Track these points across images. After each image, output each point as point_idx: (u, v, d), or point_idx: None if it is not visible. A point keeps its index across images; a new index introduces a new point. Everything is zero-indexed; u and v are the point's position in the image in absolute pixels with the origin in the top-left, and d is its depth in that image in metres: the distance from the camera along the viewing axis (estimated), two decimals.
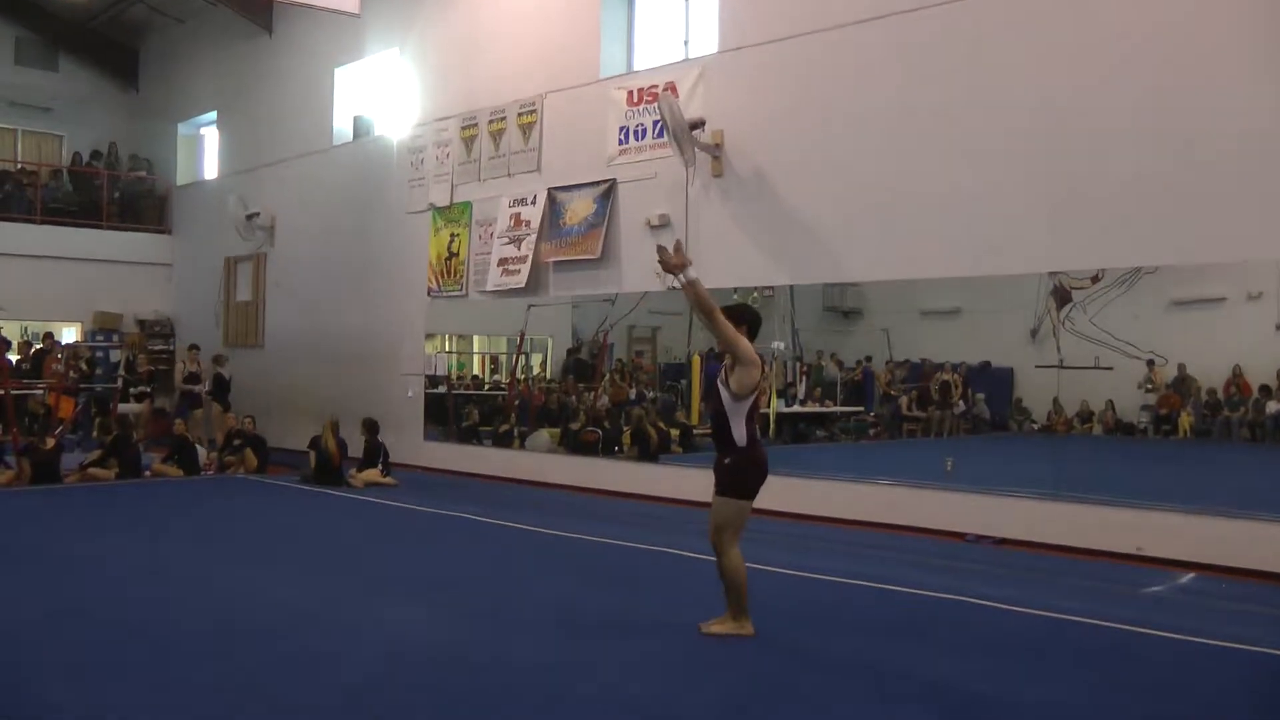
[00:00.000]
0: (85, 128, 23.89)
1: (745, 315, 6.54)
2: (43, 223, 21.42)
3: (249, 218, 19.55)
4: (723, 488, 6.38)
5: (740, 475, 6.33)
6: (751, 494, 6.39)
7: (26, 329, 21.31)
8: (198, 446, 15.96)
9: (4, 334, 19.06)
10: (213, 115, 22.26)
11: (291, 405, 18.08)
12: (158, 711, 5.25)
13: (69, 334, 22.01)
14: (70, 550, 9.69)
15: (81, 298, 21.46)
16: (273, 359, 19.41)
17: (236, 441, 16.01)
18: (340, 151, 18.54)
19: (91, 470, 14.72)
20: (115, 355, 20.71)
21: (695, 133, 12.62)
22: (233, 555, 9.66)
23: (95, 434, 16.42)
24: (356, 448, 14.90)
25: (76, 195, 22.63)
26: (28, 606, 7.43)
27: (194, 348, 19.00)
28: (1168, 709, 5.52)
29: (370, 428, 14.76)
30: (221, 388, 18.16)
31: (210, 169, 22.72)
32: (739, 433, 6.28)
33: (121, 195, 23.00)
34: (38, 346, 19.95)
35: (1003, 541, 10.09)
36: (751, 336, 6.41)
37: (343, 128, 18.73)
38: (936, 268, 10.88)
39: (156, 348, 21.64)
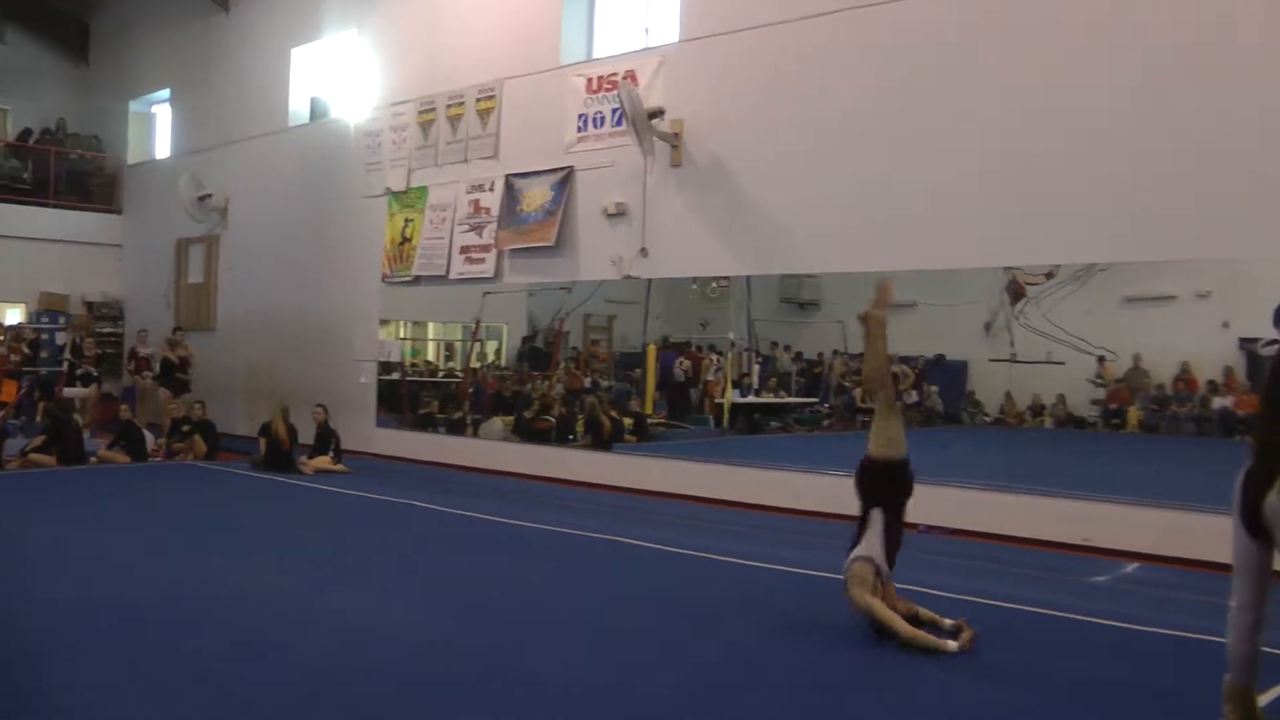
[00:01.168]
0: (33, 102, 23.37)
1: None
2: None
3: (202, 199, 19.28)
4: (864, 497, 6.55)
5: (897, 487, 6.51)
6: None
7: None
8: (145, 432, 15.71)
9: None
10: (166, 93, 21.89)
11: (244, 390, 17.90)
12: (106, 694, 5.20)
13: (13, 315, 21.58)
14: (9, 537, 9.53)
15: (27, 278, 21.05)
16: (225, 343, 19.18)
17: (185, 428, 15.81)
18: (296, 133, 18.32)
19: (33, 456, 14.42)
20: (61, 338, 20.36)
21: (654, 121, 12.59)
22: (178, 543, 9.51)
23: (39, 419, 16.15)
24: (309, 433, 14.78)
25: (23, 172, 22.18)
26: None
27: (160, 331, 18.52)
28: (1109, 694, 5.58)
29: (323, 413, 14.69)
30: (169, 372, 17.90)
31: (163, 148, 22.35)
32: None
33: (70, 173, 22.56)
34: None
35: (955, 532, 10.18)
36: None
37: (299, 109, 18.52)
38: (893, 260, 10.89)
39: (105, 330, 21.29)
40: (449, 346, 17.50)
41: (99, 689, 5.33)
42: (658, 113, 12.64)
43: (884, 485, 6.43)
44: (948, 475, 10.38)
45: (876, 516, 6.39)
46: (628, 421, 14.29)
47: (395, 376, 16.79)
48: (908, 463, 6.44)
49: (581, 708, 5.21)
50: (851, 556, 6.39)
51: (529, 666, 5.82)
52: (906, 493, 6.45)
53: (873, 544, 6.35)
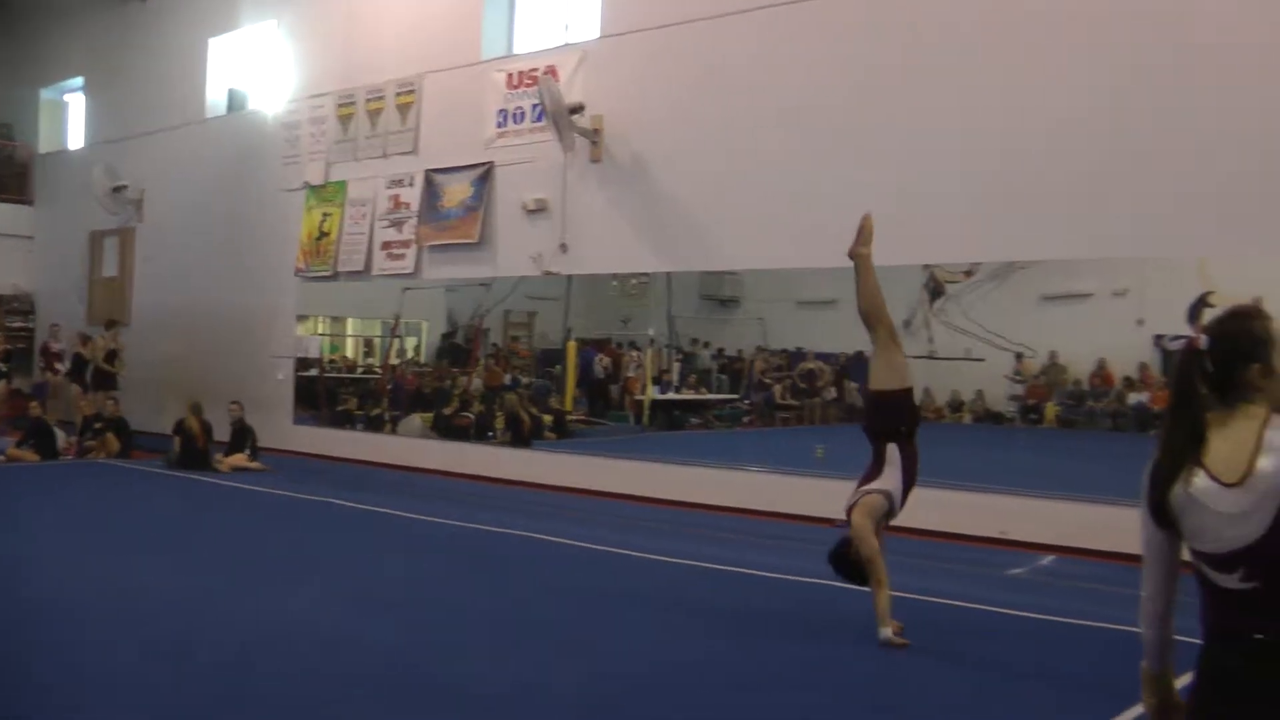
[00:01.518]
0: None
1: None
2: None
3: (116, 190, 18.84)
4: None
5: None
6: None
7: None
8: (55, 430, 15.33)
9: None
10: (79, 81, 21.36)
11: (160, 386, 17.49)
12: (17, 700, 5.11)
13: None
14: None
15: None
16: (141, 337, 18.71)
17: (97, 425, 15.47)
18: (213, 125, 18.00)
19: None
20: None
21: (574, 117, 12.52)
22: (91, 543, 9.36)
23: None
24: (225, 430, 14.54)
25: None
26: None
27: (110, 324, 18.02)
28: (1024, 683, 5.71)
29: (238, 409, 14.46)
30: (80, 368, 17.47)
31: (76, 138, 21.83)
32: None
33: None
34: None
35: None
36: None
37: (217, 100, 18.21)
38: (811, 258, 10.91)
39: (15, 325, 20.77)
40: (368, 343, 17.30)
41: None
42: (578, 108, 12.57)
43: (894, 416, 6.54)
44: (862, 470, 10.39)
45: (894, 452, 6.45)
46: (547, 419, 14.23)
47: (313, 373, 16.56)
48: (911, 390, 6.62)
49: (488, 706, 5.17)
50: (868, 488, 6.43)
51: (437, 664, 5.82)
52: (915, 421, 6.56)
53: (893, 479, 6.44)
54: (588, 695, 5.39)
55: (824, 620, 6.94)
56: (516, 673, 5.68)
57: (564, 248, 12.88)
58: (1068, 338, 12.10)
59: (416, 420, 15.02)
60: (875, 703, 5.45)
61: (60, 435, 15.36)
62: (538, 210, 13.13)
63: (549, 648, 6.18)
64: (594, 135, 12.61)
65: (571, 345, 14.60)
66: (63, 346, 18.30)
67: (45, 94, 22.37)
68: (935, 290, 11.62)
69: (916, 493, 9.83)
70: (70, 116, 22.40)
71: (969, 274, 11.17)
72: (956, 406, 13.27)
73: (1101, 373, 12.25)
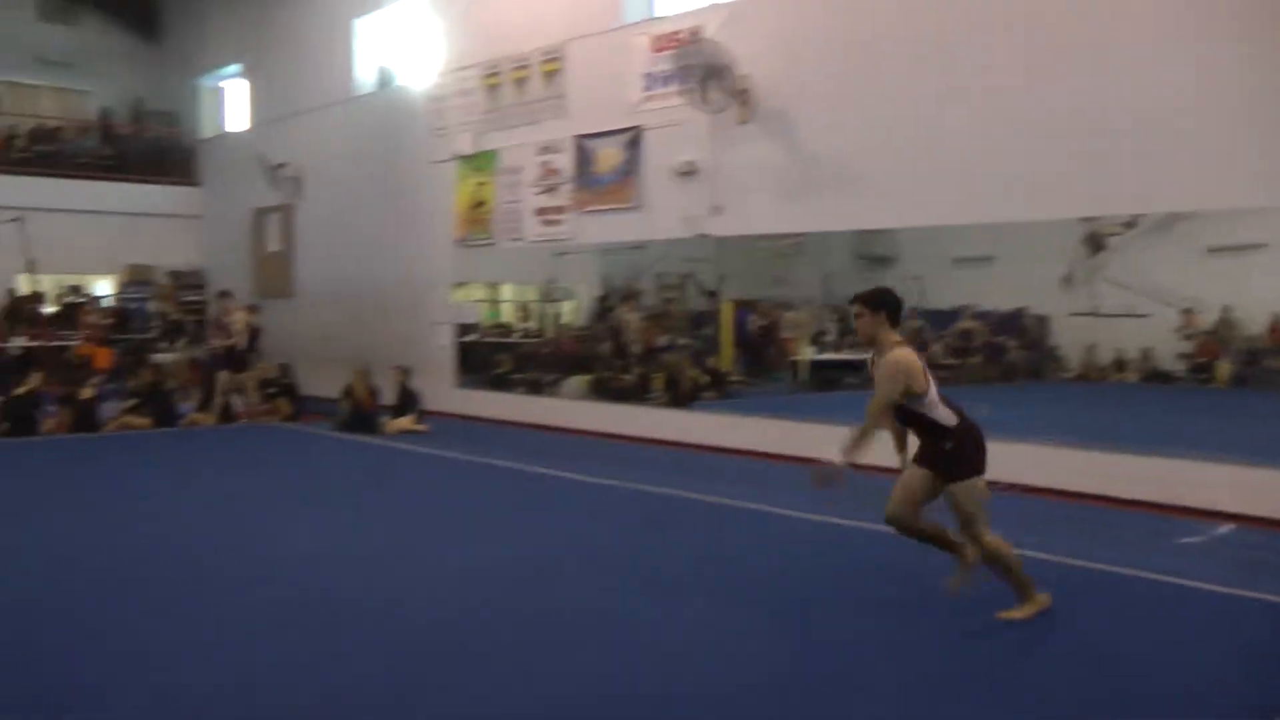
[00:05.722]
0: (109, 82, 23.81)
1: (884, 302, 6.00)
2: (74, 178, 21.42)
3: (276, 169, 19.57)
4: (951, 473, 5.86)
5: (963, 453, 5.87)
6: (980, 468, 5.90)
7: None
8: (232, 395, 16.08)
9: (40, 289, 19.29)
10: (234, 67, 22.25)
11: (324, 354, 18.13)
12: (200, 647, 5.50)
13: (103, 287, 22.13)
14: (106, 494, 10.03)
15: (114, 251, 21.48)
16: (304, 308, 19.49)
17: (270, 390, 16.16)
18: (364, 102, 18.52)
19: (127, 419, 14.98)
20: (149, 306, 20.84)
21: (721, 78, 12.49)
22: (266, 500, 9.87)
23: (130, 383, 16.55)
24: (391, 395, 15.05)
25: (105, 150, 22.64)
26: (64, 545, 7.85)
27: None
28: (1199, 660, 5.52)
29: (403, 375, 14.90)
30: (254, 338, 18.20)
31: (234, 121, 22.73)
32: (942, 415, 5.88)
33: (148, 149, 22.98)
34: (69, 299, 20.16)
35: (1034, 490, 9.80)
36: (895, 321, 5.97)
37: (366, 78, 18.72)
38: (968, 213, 10.75)
39: (189, 299, 21.71)
40: (524, 307, 17.58)
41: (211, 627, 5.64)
42: (724, 68, 12.53)
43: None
44: (1027, 433, 10.19)
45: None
46: (705, 379, 14.30)
47: (473, 338, 16.96)
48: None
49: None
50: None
51: (609, 618, 5.99)
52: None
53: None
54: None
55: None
56: (683, 628, 5.80)
57: (717, 209, 12.91)
58: (1239, 291, 11.67)
59: (575, 382, 15.27)
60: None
61: (237, 400, 16.11)
62: (688, 172, 13.15)
63: (764, 615, 6.21)
64: (741, 95, 12.56)
65: (727, 305, 14.66)
66: (232, 319, 19.03)
67: (204, 82, 23.35)
68: (1095, 244, 11.34)
69: (1081, 455, 9.48)
70: (226, 102, 23.32)
71: (1130, 226, 10.87)
72: (1121, 365, 12.98)
73: (1278, 328, 11.81)
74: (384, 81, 18.44)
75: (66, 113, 23.45)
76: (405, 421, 14.55)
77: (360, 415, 14.57)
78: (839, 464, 5.69)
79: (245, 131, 21.67)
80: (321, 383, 16.79)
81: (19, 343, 18.28)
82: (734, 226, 12.96)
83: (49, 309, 19.99)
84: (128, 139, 22.97)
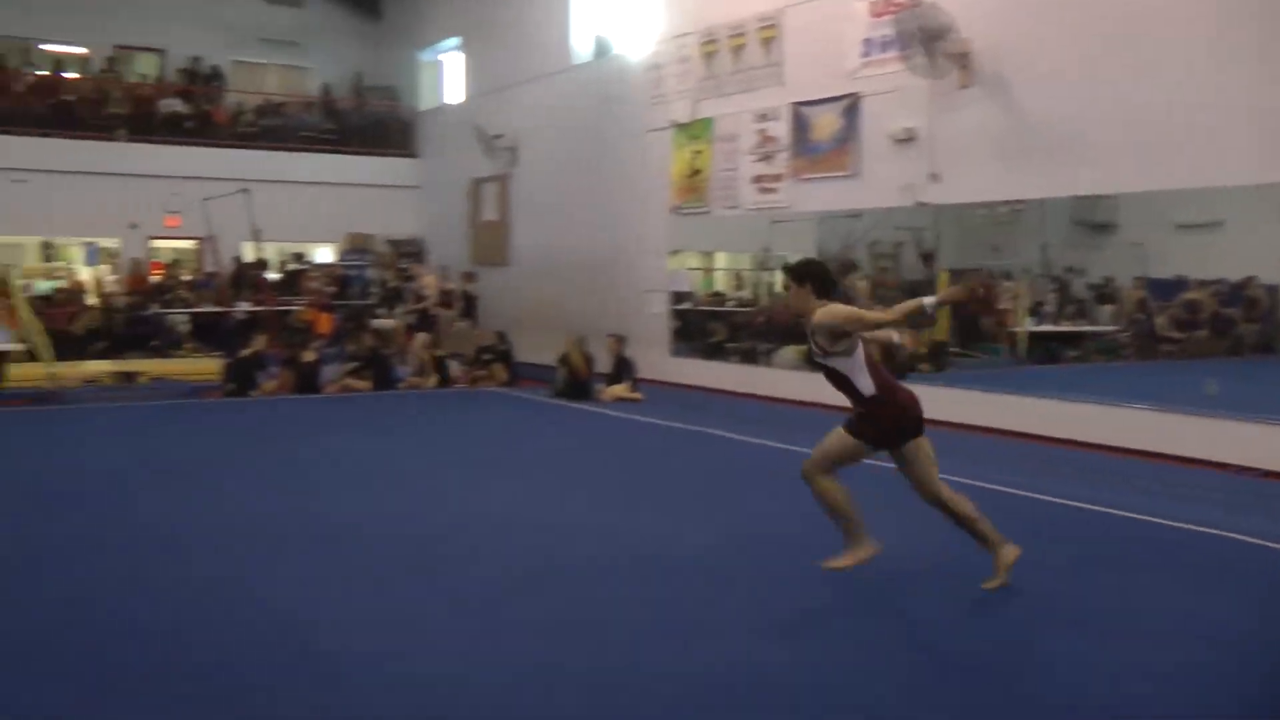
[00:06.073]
0: (332, 59, 24.94)
1: (809, 274, 5.98)
2: (297, 151, 22.48)
3: (493, 140, 20.05)
4: (859, 435, 5.98)
5: (871, 421, 5.97)
6: (880, 440, 5.99)
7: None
8: (450, 361, 16.60)
9: (265, 256, 20.26)
10: (452, 41, 22.92)
11: (539, 321, 18.56)
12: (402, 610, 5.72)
13: (324, 254, 23.12)
14: (321, 451, 10.65)
15: (336, 220, 22.48)
16: (520, 277, 19.98)
17: (486, 356, 16.63)
18: (580, 71, 18.78)
19: (348, 381, 15.63)
20: (368, 274, 21.68)
21: (942, 42, 12.20)
22: (479, 463, 10.20)
23: (350, 347, 17.27)
24: (606, 363, 15.28)
25: (328, 123, 23.62)
26: (272, 501, 8.28)
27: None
28: None
29: (618, 343, 15.15)
30: (470, 306, 18.83)
31: (451, 94, 23.38)
32: (862, 382, 5.93)
33: (368, 122, 23.88)
34: (292, 266, 21.15)
35: (1270, 474, 9.30)
36: (822, 293, 5.91)
37: (582, 48, 18.97)
38: (1197, 176, 10.26)
39: (406, 266, 22.46)
40: (738, 276, 17.60)
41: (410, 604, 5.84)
42: (945, 32, 12.23)
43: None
44: (1260, 410, 9.70)
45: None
46: (920, 351, 14.07)
47: (687, 306, 17.08)
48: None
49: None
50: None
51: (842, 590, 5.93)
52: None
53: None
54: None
55: (1217, 576, 6.44)
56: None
57: (934, 177, 12.68)
58: None
59: (790, 352, 15.21)
60: None
61: (454, 365, 16.62)
62: (906, 140, 12.94)
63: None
64: (961, 59, 12.26)
65: (944, 275, 14.37)
66: (452, 286, 19.69)
67: (423, 56, 24.11)
68: None
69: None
70: (445, 75, 23.98)
71: None
72: None
73: None
74: (600, 51, 18.67)
75: (290, 89, 24.61)
76: (620, 389, 14.76)
77: (576, 382, 14.85)
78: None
79: (463, 104, 22.29)
80: (536, 349, 17.19)
81: (244, 307, 19.26)
82: (952, 194, 12.69)
83: (273, 275, 21.04)
84: (349, 113, 23.95)
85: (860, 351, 5.91)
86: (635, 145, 17.10)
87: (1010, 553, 5.93)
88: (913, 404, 5.99)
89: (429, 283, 17.74)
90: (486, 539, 7.16)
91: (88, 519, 7.67)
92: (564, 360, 15.12)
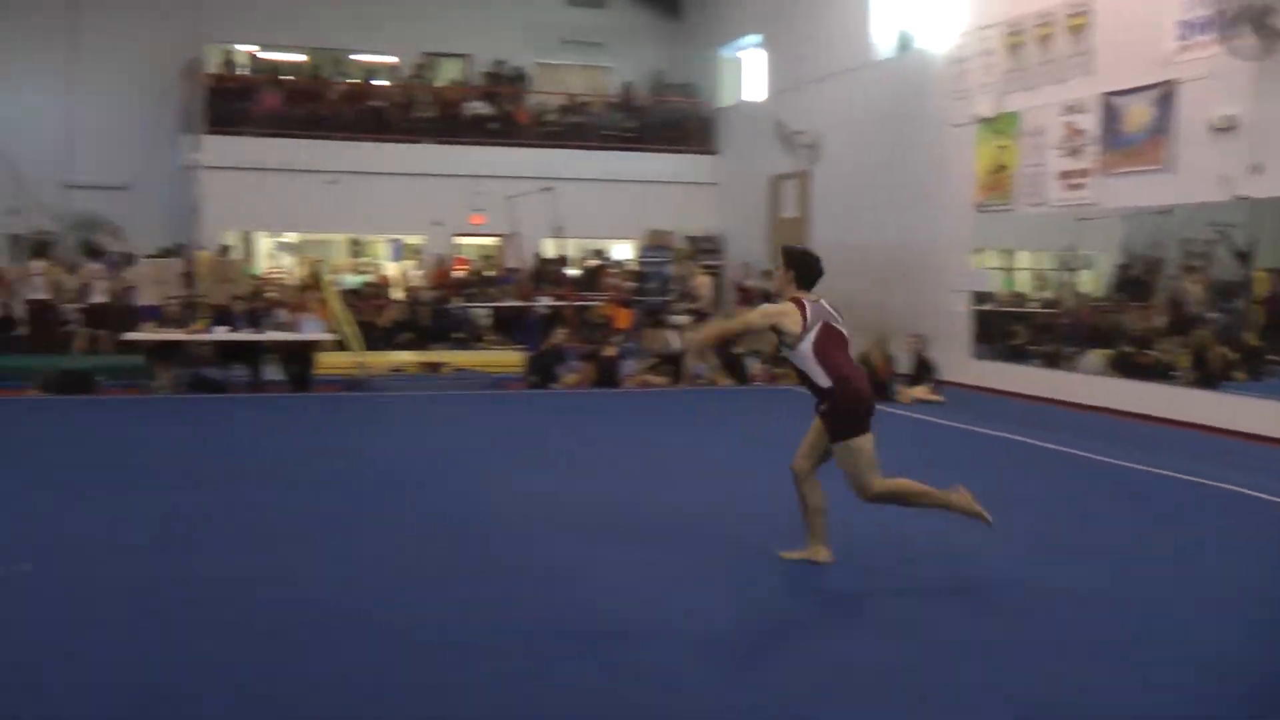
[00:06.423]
0: (632, 58, 25.63)
1: (794, 263, 6.53)
2: (598, 149, 23.24)
3: (793, 136, 20.17)
4: (830, 432, 6.27)
5: (836, 414, 6.22)
6: (860, 429, 6.21)
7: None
8: (748, 358, 16.87)
9: (565, 252, 21.20)
10: (752, 38, 23.14)
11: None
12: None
13: (623, 250, 23.84)
14: (640, 441, 11.24)
15: (635, 217, 23.11)
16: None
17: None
18: (882, 66, 18.64)
19: (646, 376, 16.17)
20: (668, 270, 22.20)
21: (1268, 20, 11.45)
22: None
23: (647, 343, 17.77)
24: (906, 364, 15.25)
25: (627, 122, 24.29)
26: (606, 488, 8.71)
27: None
28: None
29: (919, 343, 15.05)
30: (770, 303, 18.94)
31: (752, 90, 23.62)
32: (817, 374, 6.22)
33: (668, 120, 24.43)
34: (592, 262, 21.90)
35: None
36: (803, 283, 6.42)
37: (884, 43, 18.84)
38: None
39: (704, 263, 22.86)
40: (1040, 276, 17.09)
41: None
42: (1271, 9, 11.48)
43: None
44: None
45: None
46: (1234, 356, 13.25)
47: (988, 307, 16.71)
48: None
49: None
50: None
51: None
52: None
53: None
54: None
55: None
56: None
57: (1256, 168, 11.93)
58: None
59: (1095, 357, 14.68)
60: None
61: (752, 362, 16.91)
62: (1226, 128, 12.23)
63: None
64: None
65: (1261, 275, 13.50)
66: (753, 283, 19.97)
67: (722, 53, 24.43)
68: None
69: None
70: (744, 72, 24.23)
71: None
72: None
73: None
74: (903, 45, 18.49)
75: (591, 89, 25.38)
76: (920, 390, 14.65)
77: (875, 382, 14.71)
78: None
79: (763, 100, 22.48)
80: None
81: (545, 302, 20.10)
82: (1277, 187, 11.95)
83: (572, 271, 21.85)
84: (648, 110, 24.50)
85: (807, 343, 6.21)
86: (938, 141, 16.87)
87: (823, 554, 6.47)
88: (870, 403, 6.33)
89: (702, 283, 18.01)
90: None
91: (444, 498, 8.38)
92: (864, 359, 15.04)
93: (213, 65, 22.67)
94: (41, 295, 17.47)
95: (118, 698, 4.52)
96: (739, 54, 24.31)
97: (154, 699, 4.51)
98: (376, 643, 5.17)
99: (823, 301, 6.44)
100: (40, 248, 18.73)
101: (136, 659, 4.95)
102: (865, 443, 6.21)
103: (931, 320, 16.43)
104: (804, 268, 6.44)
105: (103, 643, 5.15)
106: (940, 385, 14.89)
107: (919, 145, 17.30)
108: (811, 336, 6.19)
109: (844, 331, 6.45)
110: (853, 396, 6.21)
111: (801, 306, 6.27)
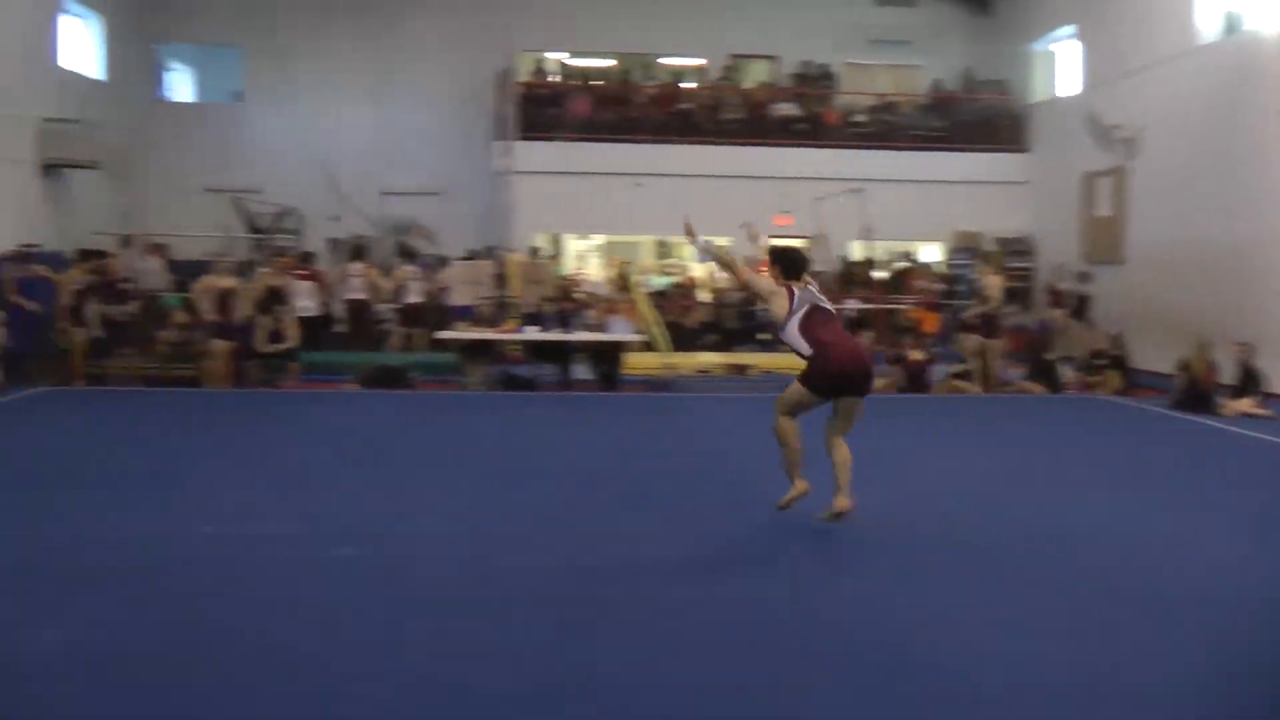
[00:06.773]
0: (941, 56, 24.95)
1: (779, 260, 7.84)
2: (906, 149, 22.80)
3: (1108, 130, 19.16)
4: (800, 377, 7.48)
5: (809, 372, 7.37)
6: (819, 390, 7.35)
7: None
8: (1060, 365, 16.19)
9: (872, 254, 20.95)
10: (1067, 30, 22.13)
11: (1155, 324, 17.49)
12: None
13: (930, 252, 23.29)
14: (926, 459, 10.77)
15: (942, 218, 22.52)
16: (1135, 276, 18.87)
17: (1099, 361, 16.02)
18: (1206, 52, 17.42)
19: (956, 383, 15.74)
20: (974, 273, 21.52)
21: None
22: (1071, 476, 9.91)
23: (956, 348, 17.27)
24: (1230, 373, 14.19)
25: (936, 121, 23.73)
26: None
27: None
28: None
29: (1246, 351, 14.05)
30: (1084, 305, 18.21)
31: (1065, 84, 22.61)
32: (800, 346, 7.40)
33: (977, 118, 23.67)
34: (900, 264, 21.54)
35: None
36: (788, 275, 7.70)
37: (1207, 26, 17.64)
38: None
39: (1015, 265, 22.03)
40: None
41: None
42: None
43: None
44: None
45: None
46: None
47: None
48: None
49: None
50: None
51: None
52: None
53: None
54: None
55: None
56: None
57: None
58: None
59: None
60: None
61: (1064, 370, 16.20)
62: None
63: None
64: None
65: None
66: (1065, 285, 19.15)
67: (1035, 48, 23.53)
68: None
69: None
70: (1057, 65, 23.21)
71: None
72: None
73: None
74: (1230, 27, 17.23)
75: (900, 88, 24.94)
76: (1246, 404, 13.55)
77: (1196, 393, 13.84)
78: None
79: (1076, 94, 21.49)
80: (1152, 355, 16.24)
81: (852, 304, 19.87)
82: None
83: (880, 274, 21.50)
84: (957, 109, 23.83)
85: (794, 324, 7.43)
86: (1271, 129, 15.60)
87: (799, 489, 7.49)
88: (843, 366, 7.30)
89: (993, 283, 17.31)
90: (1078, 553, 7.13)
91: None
92: (1185, 366, 14.17)
93: (524, 73, 23.77)
94: (359, 295, 18.65)
95: None
96: (1052, 47, 23.30)
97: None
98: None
99: (810, 287, 7.67)
100: (358, 251, 19.90)
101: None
102: (806, 395, 7.38)
103: (1260, 326, 15.22)
104: (787, 263, 7.75)
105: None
106: (1268, 398, 13.74)
107: (1249, 134, 16.05)
108: (797, 318, 7.43)
109: (831, 309, 7.67)
110: (822, 361, 7.29)
111: (790, 293, 7.53)
